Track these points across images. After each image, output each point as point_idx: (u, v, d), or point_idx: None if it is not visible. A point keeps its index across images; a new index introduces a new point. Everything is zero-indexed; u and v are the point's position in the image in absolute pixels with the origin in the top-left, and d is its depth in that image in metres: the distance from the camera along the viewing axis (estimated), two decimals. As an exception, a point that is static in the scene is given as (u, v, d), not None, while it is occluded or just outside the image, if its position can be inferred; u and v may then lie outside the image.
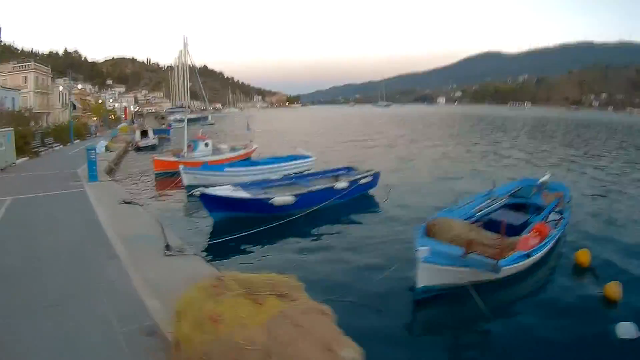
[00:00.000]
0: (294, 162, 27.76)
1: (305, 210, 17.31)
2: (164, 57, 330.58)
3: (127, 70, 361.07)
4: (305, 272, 10.66)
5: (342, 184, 19.40)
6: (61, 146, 46.75)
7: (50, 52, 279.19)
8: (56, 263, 10.48)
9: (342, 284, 11.47)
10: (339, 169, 23.60)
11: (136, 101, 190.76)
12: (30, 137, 38.22)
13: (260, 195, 17.62)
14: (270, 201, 16.87)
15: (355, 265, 12.86)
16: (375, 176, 21.79)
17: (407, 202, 20.57)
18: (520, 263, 10.91)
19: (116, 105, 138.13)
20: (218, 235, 14.86)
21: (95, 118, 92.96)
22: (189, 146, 32.33)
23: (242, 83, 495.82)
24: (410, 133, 72.13)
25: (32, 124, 49.11)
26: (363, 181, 20.64)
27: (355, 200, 20.21)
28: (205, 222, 17.30)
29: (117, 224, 13.70)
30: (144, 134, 55.97)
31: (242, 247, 14.34)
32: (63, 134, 50.75)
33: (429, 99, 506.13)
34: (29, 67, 78.00)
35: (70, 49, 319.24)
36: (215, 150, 34.19)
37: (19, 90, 70.35)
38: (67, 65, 69.96)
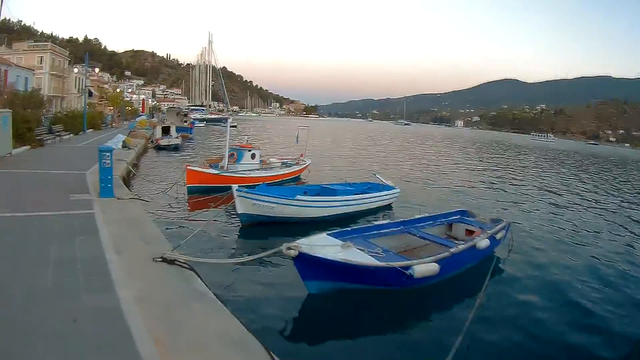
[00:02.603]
0: (378, 194, 21.54)
1: (442, 279, 11.52)
2: (184, 54, 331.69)
3: (146, 63, 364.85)
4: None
5: (483, 242, 13.27)
6: (72, 135, 41.24)
7: (70, 37, 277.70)
8: None
9: None
10: (451, 213, 17.43)
11: (154, 95, 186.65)
12: (35, 122, 32.11)
13: (390, 260, 10.82)
14: (409, 271, 10.37)
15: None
16: (507, 228, 15.50)
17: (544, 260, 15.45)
18: None
19: (134, 97, 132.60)
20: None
21: (112, 108, 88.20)
22: (230, 155, 25.69)
23: (261, 88, 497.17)
24: (472, 155, 66.86)
25: (45, 108, 43.69)
26: (499, 236, 14.55)
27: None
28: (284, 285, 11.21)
29: (160, 324, 6.59)
30: (166, 131, 49.84)
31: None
32: (75, 122, 45.23)
33: (447, 121, 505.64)
34: (46, 47, 75.07)
35: (91, 37, 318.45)
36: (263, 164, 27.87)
37: (33, 70, 67.40)
38: (86, 51, 65.11)
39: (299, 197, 17.71)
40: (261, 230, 16.39)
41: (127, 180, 23.25)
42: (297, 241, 10.41)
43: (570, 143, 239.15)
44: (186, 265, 8.92)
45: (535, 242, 17.75)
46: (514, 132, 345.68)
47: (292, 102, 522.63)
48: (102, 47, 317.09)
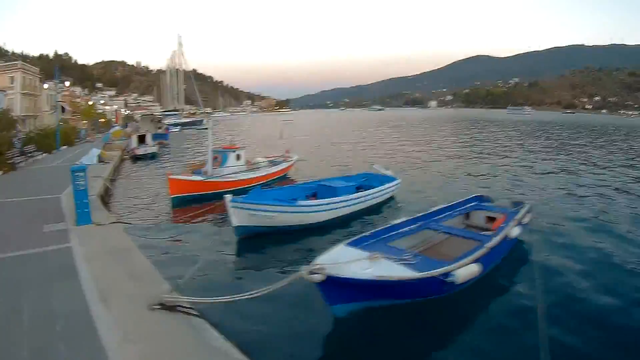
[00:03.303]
0: (381, 188, 20.00)
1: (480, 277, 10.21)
2: (154, 61, 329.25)
3: (117, 73, 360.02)
4: None
5: (515, 230, 12.07)
6: (45, 154, 39.06)
7: (40, 55, 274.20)
8: None
9: None
10: (467, 201, 16.09)
11: (126, 105, 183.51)
12: (6, 145, 30.21)
13: (426, 268, 9.21)
14: (450, 278, 8.93)
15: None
16: (530, 210, 14.25)
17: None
18: None
19: (107, 108, 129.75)
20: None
21: (86, 122, 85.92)
22: (215, 159, 23.88)
23: (232, 87, 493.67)
24: (453, 135, 65.57)
25: (18, 128, 41.68)
26: (525, 220, 13.38)
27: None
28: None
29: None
30: (142, 139, 47.78)
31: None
32: (48, 140, 43.28)
33: (419, 103, 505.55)
34: (16, 66, 72.58)
35: (61, 52, 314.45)
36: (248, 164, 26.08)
37: (4, 91, 65.61)
38: (57, 67, 63.00)
39: (300, 202, 16.07)
40: (261, 243, 14.70)
41: (105, 199, 21.51)
42: (318, 260, 8.82)
43: (547, 114, 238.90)
44: (192, 311, 7.25)
45: (552, 220, 16.97)
46: (488, 108, 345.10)
47: (264, 98, 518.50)
48: (73, 61, 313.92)
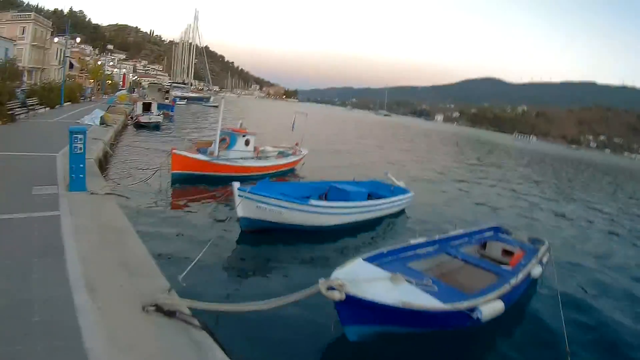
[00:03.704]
0: (394, 199, 18.84)
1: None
2: (168, 31, 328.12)
3: (129, 38, 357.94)
4: None
5: (537, 269, 11.58)
6: (47, 109, 37.74)
7: (55, 9, 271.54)
8: None
9: None
10: (485, 230, 15.29)
11: (135, 70, 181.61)
12: (7, 95, 28.91)
13: (448, 297, 8.39)
14: (476, 313, 8.24)
15: None
16: (549, 249, 13.54)
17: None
18: None
19: (115, 71, 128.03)
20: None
21: (92, 81, 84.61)
22: (222, 140, 22.61)
23: (242, 70, 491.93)
24: (464, 155, 64.66)
25: (24, 80, 40.49)
26: (545, 259, 12.71)
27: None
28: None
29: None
30: (147, 107, 46.51)
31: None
32: (52, 95, 41.78)
33: (426, 114, 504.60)
34: (29, 17, 71.71)
35: (76, 10, 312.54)
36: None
37: (14, 41, 65.10)
38: (70, 24, 61.54)
39: (313, 202, 14.82)
40: (268, 239, 13.69)
41: (103, 164, 20.41)
42: (335, 274, 8.10)
43: (552, 146, 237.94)
44: (193, 321, 6.10)
45: (570, 257, 16.74)
46: (493, 131, 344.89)
47: (272, 85, 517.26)
48: (87, 19, 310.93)
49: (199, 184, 19.36)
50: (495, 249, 13.94)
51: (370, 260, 9.75)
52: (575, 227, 23.09)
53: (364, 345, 7.91)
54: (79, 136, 12.59)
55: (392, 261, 10.48)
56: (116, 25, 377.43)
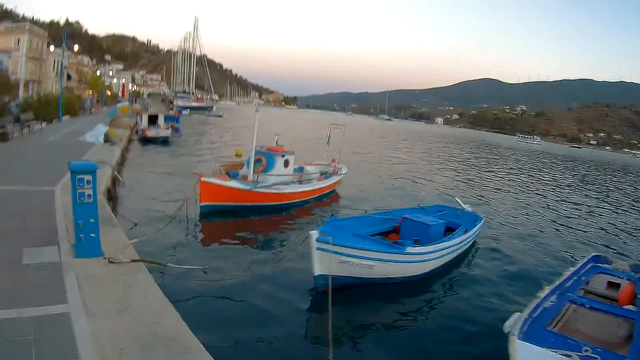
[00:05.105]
0: (474, 230, 15.67)
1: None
2: (165, 40, 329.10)
3: (126, 48, 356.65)
4: None
5: None
6: (45, 124, 34.53)
7: (51, 20, 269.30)
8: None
9: None
10: (586, 263, 13.22)
11: (133, 80, 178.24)
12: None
13: None
14: None
15: None
16: None
17: None
18: None
19: (114, 81, 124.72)
20: None
21: (91, 92, 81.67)
22: (257, 161, 18.82)
23: (240, 77, 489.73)
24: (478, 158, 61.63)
25: (20, 93, 37.47)
26: None
27: None
28: None
29: None
30: (153, 120, 42.71)
31: None
32: (49, 108, 38.86)
33: (426, 117, 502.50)
34: (24, 28, 68.47)
35: (72, 20, 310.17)
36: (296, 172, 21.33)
37: (9, 53, 62.57)
38: (67, 35, 58.47)
39: (410, 249, 11.51)
40: (354, 297, 10.55)
41: (112, 195, 16.76)
42: None
43: (553, 146, 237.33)
44: None
45: None
46: (494, 132, 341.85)
47: (271, 92, 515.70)
48: (83, 30, 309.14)
49: (233, 216, 16.26)
50: (599, 283, 12.36)
51: (527, 339, 7.91)
52: None
53: None
54: (86, 177, 8.65)
55: (542, 331, 8.54)
56: (113, 35, 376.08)
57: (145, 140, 37.79)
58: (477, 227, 15.82)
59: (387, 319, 10.24)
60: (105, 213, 11.64)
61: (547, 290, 10.17)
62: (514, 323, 8.31)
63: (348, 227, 12.74)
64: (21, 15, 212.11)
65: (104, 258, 8.67)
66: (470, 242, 15.59)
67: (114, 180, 18.44)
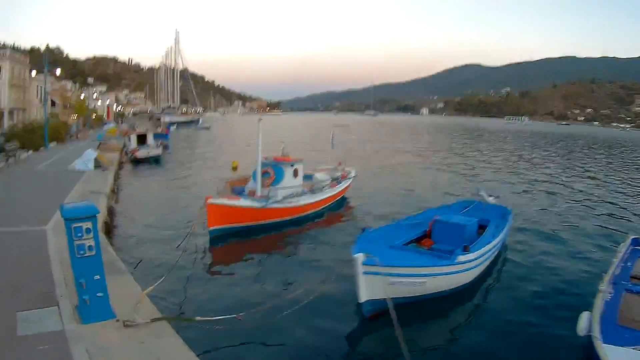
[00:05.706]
0: (508, 226, 14.91)
1: None
2: (146, 58, 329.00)
3: (108, 69, 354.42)
4: None
5: None
6: (31, 152, 33.73)
7: (32, 47, 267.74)
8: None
9: None
10: (629, 247, 12.89)
11: (117, 100, 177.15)
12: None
13: None
14: None
15: None
16: None
17: None
18: None
19: (98, 103, 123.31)
20: None
21: (77, 117, 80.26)
22: (264, 174, 17.67)
23: (223, 87, 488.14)
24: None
25: (5, 122, 36.41)
26: None
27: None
28: None
29: None
30: (142, 139, 41.84)
31: None
32: (35, 136, 38.17)
33: (411, 109, 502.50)
34: (4, 56, 66.48)
35: (53, 46, 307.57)
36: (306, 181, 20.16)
37: None
38: (47, 59, 57.28)
39: (460, 257, 10.76)
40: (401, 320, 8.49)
41: (110, 227, 15.50)
42: None
43: (541, 124, 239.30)
44: None
45: None
46: (482, 117, 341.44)
47: (255, 99, 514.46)
48: (64, 55, 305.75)
49: (246, 236, 15.28)
50: None
51: (610, 341, 7.69)
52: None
53: None
54: (85, 226, 6.96)
55: (610, 327, 8.29)
56: (94, 58, 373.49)
57: (137, 161, 36.74)
58: (509, 222, 15.07)
59: (443, 337, 9.65)
60: (108, 257, 9.85)
61: (605, 282, 9.95)
62: (588, 324, 8.09)
63: (382, 239, 11.91)
64: (2, 43, 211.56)
65: (117, 320, 7.18)
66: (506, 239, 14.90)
67: (110, 211, 17.22)
